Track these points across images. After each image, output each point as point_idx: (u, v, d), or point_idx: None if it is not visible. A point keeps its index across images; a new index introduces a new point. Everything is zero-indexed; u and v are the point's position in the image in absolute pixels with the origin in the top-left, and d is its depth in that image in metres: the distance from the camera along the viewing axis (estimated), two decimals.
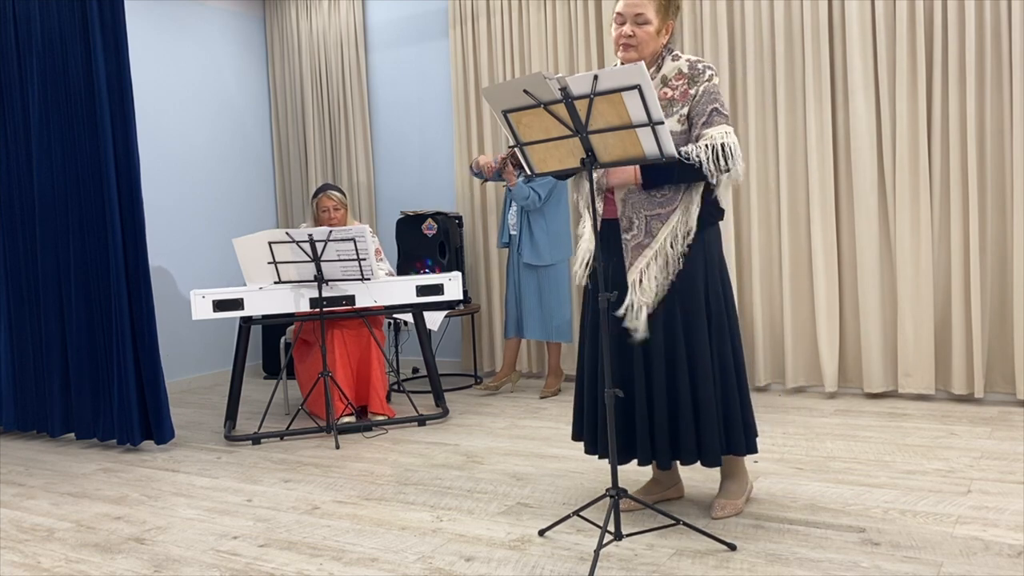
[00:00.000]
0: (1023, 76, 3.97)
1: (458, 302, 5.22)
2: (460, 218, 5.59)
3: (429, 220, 5.39)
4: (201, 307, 4.15)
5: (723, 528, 2.69)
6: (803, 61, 4.50)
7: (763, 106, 4.65)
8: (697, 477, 3.18)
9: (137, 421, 4.10)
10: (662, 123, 2.32)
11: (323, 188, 4.71)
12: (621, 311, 2.69)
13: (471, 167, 4.77)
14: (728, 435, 2.71)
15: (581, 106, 2.32)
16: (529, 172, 2.61)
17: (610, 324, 2.76)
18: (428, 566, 2.53)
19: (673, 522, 2.59)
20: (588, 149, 2.42)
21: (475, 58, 5.60)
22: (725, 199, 2.75)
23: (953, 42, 4.13)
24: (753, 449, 2.77)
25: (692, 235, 2.66)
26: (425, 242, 5.40)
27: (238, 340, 4.37)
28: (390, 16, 6.04)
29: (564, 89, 2.30)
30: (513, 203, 4.94)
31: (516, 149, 2.56)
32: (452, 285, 4.40)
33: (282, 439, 4.23)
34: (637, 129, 2.34)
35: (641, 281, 2.68)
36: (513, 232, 4.95)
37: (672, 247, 2.66)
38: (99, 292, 4.20)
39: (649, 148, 2.38)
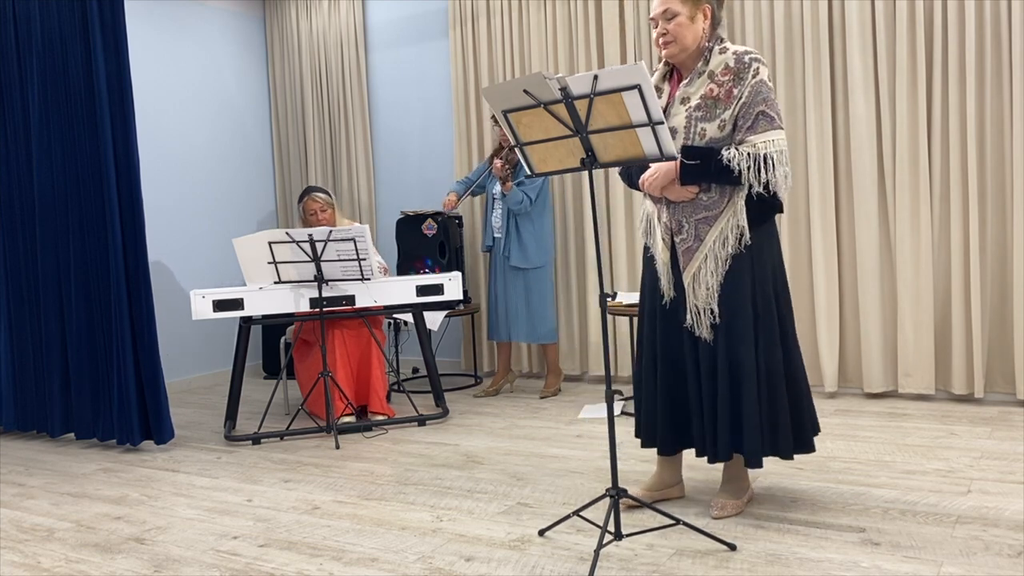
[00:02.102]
0: (1023, 76, 3.97)
1: (458, 302, 5.22)
2: (460, 218, 5.59)
3: (429, 220, 5.39)
4: (201, 307, 4.15)
5: (723, 528, 2.69)
6: (803, 61, 4.50)
7: None
8: (697, 477, 3.18)
9: (137, 421, 4.10)
10: (662, 123, 2.32)
11: (307, 191, 4.71)
12: (688, 319, 2.72)
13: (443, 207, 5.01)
14: (774, 439, 2.71)
15: (581, 106, 2.32)
16: (530, 171, 2.61)
17: (658, 320, 2.81)
18: (428, 566, 2.53)
19: (673, 522, 2.59)
20: (588, 149, 2.42)
21: (475, 58, 5.60)
22: (784, 193, 2.68)
23: (953, 42, 4.12)
24: (803, 448, 2.78)
25: (747, 235, 2.64)
26: (425, 242, 5.40)
27: (238, 340, 4.37)
28: (390, 16, 6.04)
29: (564, 89, 2.30)
30: (497, 206, 4.94)
31: (516, 149, 2.56)
32: (452, 285, 4.40)
33: (282, 439, 4.23)
34: (637, 129, 2.34)
35: (695, 284, 2.70)
36: (498, 235, 4.95)
37: (723, 248, 2.66)
38: (99, 292, 4.20)
39: (649, 148, 2.38)
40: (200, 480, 3.60)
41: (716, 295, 2.67)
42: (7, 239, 4.53)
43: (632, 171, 2.82)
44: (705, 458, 2.80)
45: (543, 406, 4.71)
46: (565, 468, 3.47)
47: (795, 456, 2.77)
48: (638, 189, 2.82)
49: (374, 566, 2.55)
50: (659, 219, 2.80)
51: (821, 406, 4.32)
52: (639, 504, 2.79)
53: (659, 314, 2.82)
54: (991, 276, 4.18)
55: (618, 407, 4.39)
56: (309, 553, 2.69)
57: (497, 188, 4.90)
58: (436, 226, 5.37)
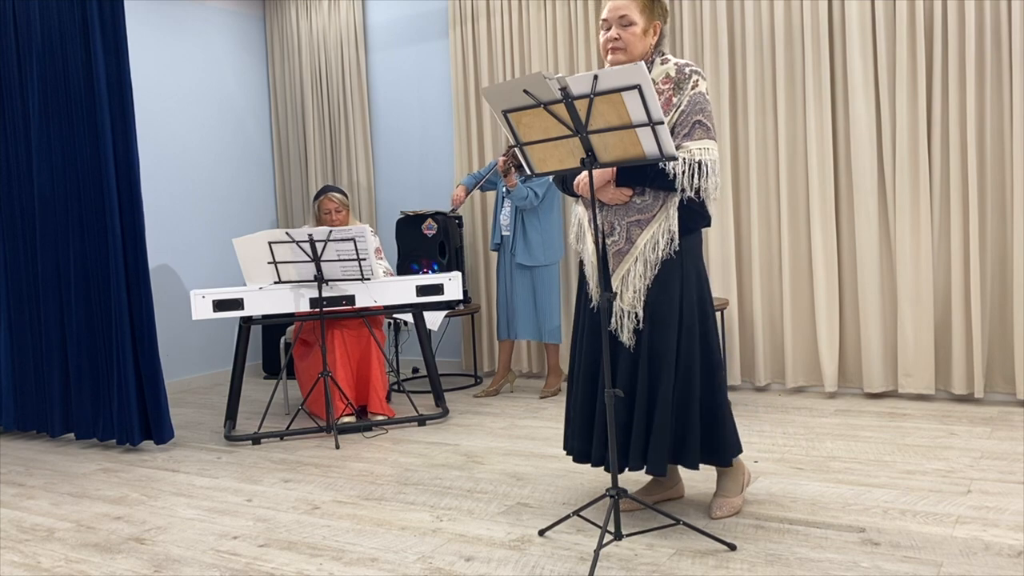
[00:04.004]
0: (1023, 76, 3.97)
1: (458, 302, 5.23)
2: (460, 218, 5.59)
3: (429, 220, 5.39)
4: (201, 307, 4.15)
5: (723, 528, 2.69)
6: (803, 61, 4.50)
7: (763, 106, 4.65)
8: (697, 477, 3.18)
9: (137, 421, 4.10)
10: (662, 123, 2.32)
11: (324, 190, 4.73)
12: (613, 323, 2.70)
13: (452, 202, 5.00)
14: (681, 447, 2.66)
15: (581, 106, 2.32)
16: (529, 172, 2.61)
17: (586, 325, 2.82)
18: (428, 566, 2.53)
19: (673, 522, 2.59)
20: (588, 149, 2.42)
21: (475, 58, 5.60)
22: (710, 207, 2.72)
23: (953, 42, 4.13)
24: (713, 458, 2.71)
25: (676, 241, 2.65)
26: (425, 242, 5.40)
27: (238, 340, 4.37)
28: (390, 16, 6.04)
29: (564, 89, 2.31)
30: (505, 204, 4.94)
31: (516, 149, 2.56)
32: (452, 285, 4.40)
33: (282, 439, 4.23)
34: (637, 129, 2.34)
35: (623, 287, 2.70)
36: (506, 233, 4.95)
37: (653, 252, 2.66)
38: (99, 292, 4.20)
39: (649, 148, 2.39)
40: (200, 480, 3.60)
41: (642, 298, 2.67)
42: (7, 239, 4.53)
43: (567, 176, 2.81)
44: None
45: (543, 406, 4.71)
46: (565, 468, 3.47)
47: (700, 466, 2.69)
48: (571, 194, 2.82)
49: (374, 566, 2.55)
50: (590, 222, 2.80)
51: (821, 406, 4.32)
52: (639, 505, 2.79)
53: (588, 320, 2.81)
54: (991, 276, 4.18)
55: None
56: (309, 553, 2.69)
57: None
58: (436, 226, 5.37)
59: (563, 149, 2.47)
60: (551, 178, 4.85)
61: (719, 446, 2.71)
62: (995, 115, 4.10)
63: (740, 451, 2.77)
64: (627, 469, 2.69)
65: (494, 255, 5.60)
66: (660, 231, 2.65)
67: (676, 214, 2.65)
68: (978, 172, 4.13)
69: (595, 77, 2.26)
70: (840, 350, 4.55)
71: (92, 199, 4.16)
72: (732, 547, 2.51)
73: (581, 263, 2.90)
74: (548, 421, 4.34)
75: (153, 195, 5.64)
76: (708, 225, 2.75)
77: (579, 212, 2.89)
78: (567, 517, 2.74)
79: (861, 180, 4.39)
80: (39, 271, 4.38)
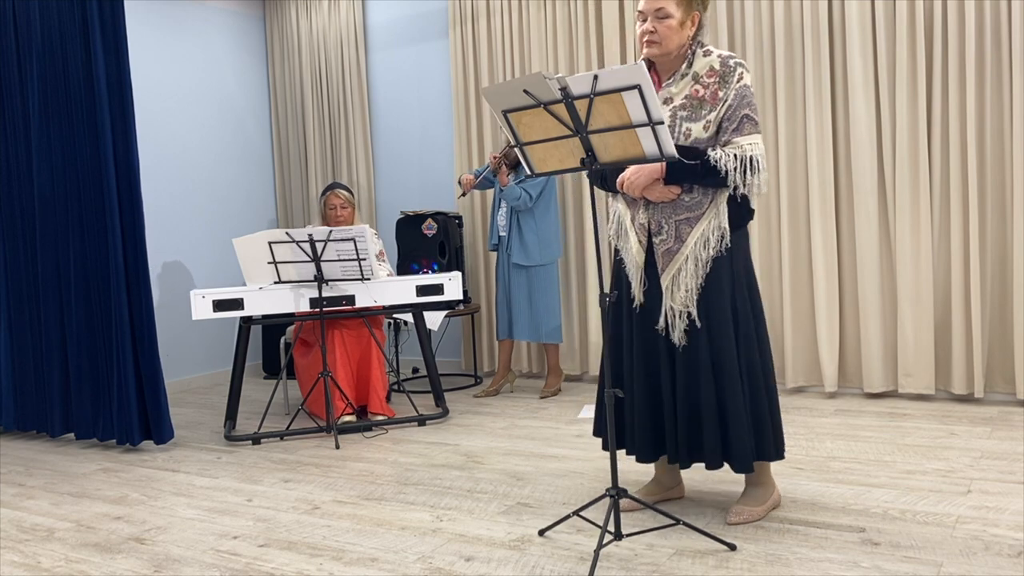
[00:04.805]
0: (1023, 76, 3.97)
1: (458, 302, 5.23)
2: (460, 218, 5.59)
3: (429, 220, 5.39)
4: (201, 307, 4.15)
5: (723, 528, 2.69)
6: (803, 61, 4.50)
7: (763, 106, 4.64)
8: (697, 477, 3.18)
9: (137, 421, 4.10)
10: (662, 123, 2.31)
11: (331, 187, 4.77)
12: (661, 323, 2.68)
13: (460, 185, 4.97)
14: (758, 441, 2.67)
15: (581, 106, 2.32)
16: (529, 171, 2.61)
17: (634, 324, 2.76)
18: (428, 566, 2.53)
19: (673, 522, 2.59)
20: (588, 149, 2.42)
21: (475, 58, 5.60)
22: (753, 201, 2.72)
23: (953, 42, 4.13)
24: (782, 455, 2.73)
25: (727, 238, 2.62)
26: (425, 242, 5.40)
27: (238, 340, 4.37)
28: (390, 16, 6.04)
29: (564, 89, 2.30)
30: (502, 205, 4.94)
31: (516, 149, 2.56)
32: (452, 285, 4.40)
33: (282, 439, 4.23)
34: (637, 129, 2.34)
35: (673, 287, 2.66)
36: (503, 233, 4.95)
37: (704, 250, 2.62)
38: (99, 292, 4.20)
39: (649, 148, 2.38)
40: (200, 480, 3.60)
41: (695, 298, 2.64)
42: (7, 239, 4.53)
43: (606, 172, 2.78)
44: (678, 464, 2.74)
45: (543, 406, 4.71)
46: (565, 468, 3.47)
47: (777, 460, 2.72)
48: (610, 190, 2.79)
49: (374, 566, 2.55)
50: (633, 221, 2.75)
51: (821, 406, 4.32)
52: (639, 505, 2.78)
53: (634, 319, 2.77)
54: (991, 276, 4.18)
55: None
56: (309, 553, 2.69)
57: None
58: (436, 226, 5.37)
59: (563, 149, 2.47)
60: (549, 180, 4.87)
61: (778, 439, 2.72)
62: (995, 115, 4.10)
63: (770, 459, 2.72)
64: (706, 467, 2.68)
65: (494, 255, 5.60)
66: (711, 228, 2.62)
67: (726, 210, 2.62)
68: (978, 172, 4.13)
69: (595, 77, 2.26)
70: (840, 350, 4.55)
71: (92, 199, 4.16)
72: (732, 547, 2.51)
73: (620, 261, 2.83)
74: (548, 421, 4.34)
75: (153, 195, 5.64)
76: (752, 218, 2.73)
77: (619, 209, 2.82)
78: (567, 517, 2.73)
79: (861, 180, 4.38)
80: (39, 271, 4.38)
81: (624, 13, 5.00)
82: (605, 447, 2.88)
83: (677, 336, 2.66)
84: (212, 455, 4.01)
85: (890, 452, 3.45)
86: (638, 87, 2.25)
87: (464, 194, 5.08)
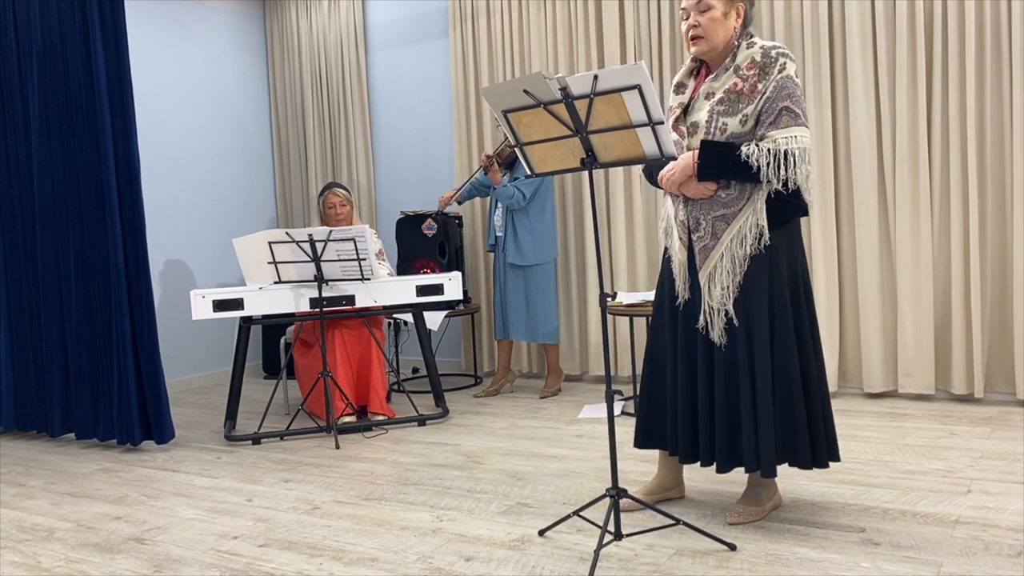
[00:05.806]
0: (1023, 76, 3.97)
1: (458, 302, 5.22)
2: (460, 218, 5.59)
3: (429, 220, 5.39)
4: (201, 307, 4.15)
5: (723, 528, 2.69)
6: (803, 61, 4.49)
7: None
8: (697, 477, 3.18)
9: (137, 421, 4.10)
10: (662, 123, 2.32)
11: (329, 186, 4.78)
12: (701, 321, 2.65)
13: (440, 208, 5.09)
14: (787, 446, 2.61)
15: (581, 106, 2.32)
16: (529, 171, 2.61)
17: (678, 322, 2.73)
18: (428, 566, 2.53)
19: (673, 522, 2.59)
20: (588, 149, 2.42)
21: (475, 58, 5.60)
22: (806, 195, 2.57)
23: (953, 42, 4.12)
24: (821, 463, 2.66)
25: (766, 236, 2.55)
26: (425, 242, 5.40)
27: (238, 340, 4.37)
28: (390, 16, 6.04)
29: (564, 89, 2.31)
30: (499, 205, 4.94)
31: (515, 148, 2.56)
32: (452, 285, 4.40)
33: (282, 439, 4.23)
34: (637, 129, 2.34)
35: (710, 284, 2.62)
36: (499, 234, 4.95)
37: (741, 247, 2.57)
38: (99, 292, 4.20)
39: (649, 148, 2.38)
40: (200, 480, 3.60)
41: (732, 296, 2.59)
42: (7, 239, 4.53)
43: (653, 168, 2.72)
44: (714, 466, 2.69)
45: (543, 406, 4.71)
46: (565, 468, 3.47)
47: (813, 468, 2.66)
48: (659, 187, 2.74)
49: (374, 566, 2.55)
50: (676, 217, 2.72)
51: None
52: (639, 505, 2.78)
53: (678, 316, 2.73)
54: (991, 276, 4.18)
55: (618, 407, 4.39)
56: (309, 553, 2.69)
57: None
58: (436, 226, 5.37)
59: (563, 149, 2.47)
60: (544, 180, 4.87)
61: (816, 445, 2.66)
62: (995, 115, 4.10)
63: (836, 453, 2.70)
64: (745, 471, 2.65)
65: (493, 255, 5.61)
66: (747, 225, 2.55)
67: (764, 207, 2.54)
68: (978, 172, 4.13)
69: (595, 77, 2.26)
70: (840, 350, 4.55)
71: (92, 199, 4.16)
72: (732, 547, 2.51)
73: (668, 259, 2.79)
74: (548, 421, 4.34)
75: (153, 195, 5.63)
76: (805, 214, 2.64)
77: (668, 207, 2.79)
78: (567, 517, 2.73)
79: (861, 180, 4.38)
80: (39, 270, 4.38)
81: (624, 13, 5.00)
82: (645, 445, 2.83)
83: (716, 335, 2.62)
84: (212, 455, 4.01)
85: (890, 452, 3.45)
86: (638, 87, 2.25)
87: (439, 212, 5.12)
